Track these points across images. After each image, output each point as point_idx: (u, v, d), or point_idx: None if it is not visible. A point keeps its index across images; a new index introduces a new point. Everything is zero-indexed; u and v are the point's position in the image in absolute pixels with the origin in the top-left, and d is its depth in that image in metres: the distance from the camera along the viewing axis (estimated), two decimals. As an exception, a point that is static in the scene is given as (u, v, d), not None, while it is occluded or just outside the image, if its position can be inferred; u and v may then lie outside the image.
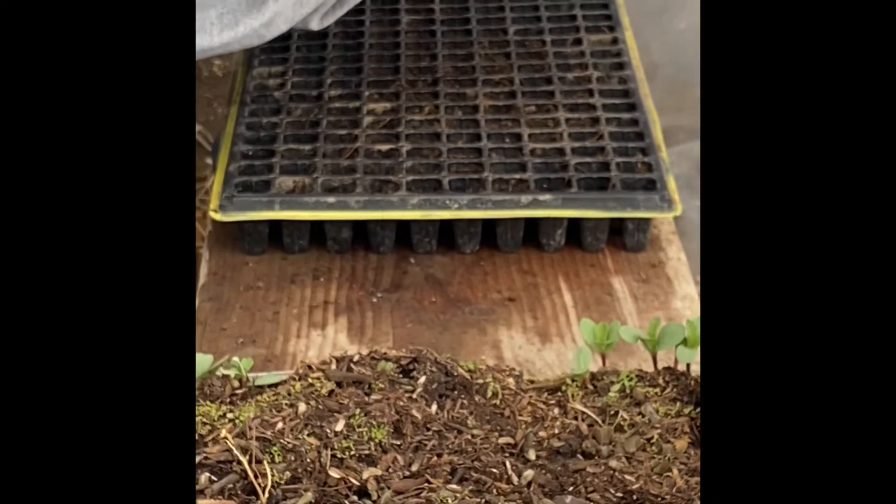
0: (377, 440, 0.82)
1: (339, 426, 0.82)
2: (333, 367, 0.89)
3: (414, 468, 0.81)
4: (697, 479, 0.79)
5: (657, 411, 0.85)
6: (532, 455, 0.83)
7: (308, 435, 0.81)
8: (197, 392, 0.88)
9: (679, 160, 1.43)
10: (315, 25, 1.14)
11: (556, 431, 0.85)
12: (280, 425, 0.82)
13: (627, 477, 0.79)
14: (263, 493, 0.78)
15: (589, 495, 0.79)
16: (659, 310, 1.09)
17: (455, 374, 0.88)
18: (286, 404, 0.85)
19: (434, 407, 0.86)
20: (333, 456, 0.81)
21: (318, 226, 1.16)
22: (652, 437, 0.83)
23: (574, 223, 1.15)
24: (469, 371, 0.90)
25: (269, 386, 0.89)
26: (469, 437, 0.83)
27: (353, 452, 0.81)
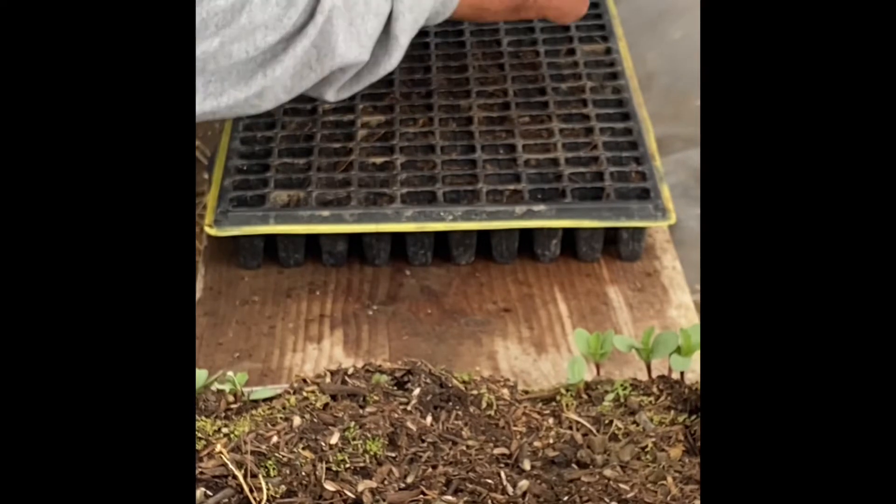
0: (372, 452, 0.82)
1: (334, 439, 0.82)
2: (328, 380, 0.89)
3: (409, 480, 0.81)
4: (692, 486, 0.79)
5: (651, 420, 0.85)
6: (527, 465, 0.83)
7: (303, 448, 0.82)
8: (192, 407, 0.88)
9: (676, 169, 1.43)
10: (331, 97, 1.12)
11: (551, 441, 0.85)
12: (275, 439, 0.82)
13: (622, 486, 0.79)
14: (259, 506, 0.78)
15: (584, 505, 0.79)
16: (654, 318, 1.09)
17: (449, 385, 0.88)
18: (281, 418, 0.85)
19: (429, 418, 0.86)
20: (328, 469, 0.81)
21: (313, 239, 1.16)
22: (646, 446, 0.83)
23: (569, 233, 1.16)
24: (463, 382, 0.90)
25: (264, 400, 0.89)
26: (464, 448, 0.84)
27: (348, 465, 0.81)
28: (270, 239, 1.16)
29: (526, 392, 0.92)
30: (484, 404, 0.88)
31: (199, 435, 0.84)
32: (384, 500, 0.79)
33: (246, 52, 1.02)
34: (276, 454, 0.80)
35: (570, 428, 0.86)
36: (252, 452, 0.80)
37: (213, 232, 1.13)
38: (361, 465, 0.81)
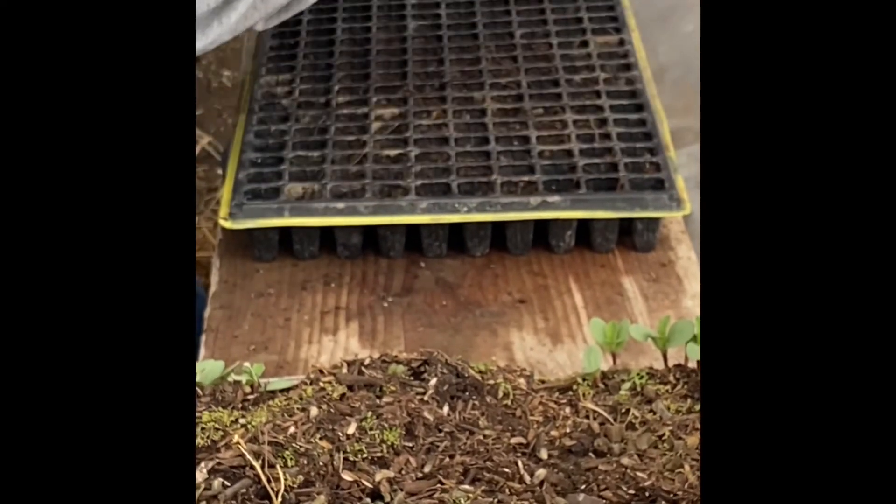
0: (389, 442, 0.82)
1: (351, 429, 0.82)
2: (344, 370, 0.89)
3: (426, 469, 0.81)
4: (709, 474, 0.79)
5: (668, 408, 0.85)
6: (544, 454, 0.83)
7: (320, 438, 0.82)
8: (209, 398, 0.88)
9: (689, 161, 1.43)
10: (260, 27, 1.17)
11: (568, 430, 0.85)
12: (292, 429, 0.82)
13: (639, 474, 0.79)
14: (276, 497, 0.78)
15: (601, 493, 0.79)
16: (669, 308, 1.09)
17: (466, 375, 0.88)
18: (298, 408, 0.85)
19: (445, 408, 0.86)
20: (346, 459, 0.81)
21: (328, 232, 1.16)
22: (663, 434, 0.83)
23: (583, 224, 1.15)
24: (480, 372, 0.90)
25: (281, 391, 0.90)
26: (481, 437, 0.84)
27: (365, 455, 0.81)
28: (285, 232, 1.16)
29: (542, 382, 0.92)
30: (500, 394, 0.88)
31: (217, 426, 0.84)
32: (402, 490, 0.79)
33: (207, 5, 1.08)
34: (294, 444, 0.80)
35: (587, 417, 0.86)
36: (269, 443, 0.80)
37: (227, 225, 1.13)
38: (379, 455, 0.81)
